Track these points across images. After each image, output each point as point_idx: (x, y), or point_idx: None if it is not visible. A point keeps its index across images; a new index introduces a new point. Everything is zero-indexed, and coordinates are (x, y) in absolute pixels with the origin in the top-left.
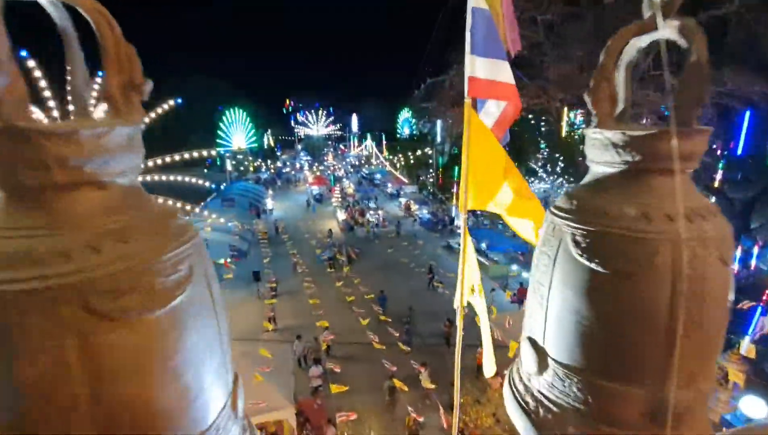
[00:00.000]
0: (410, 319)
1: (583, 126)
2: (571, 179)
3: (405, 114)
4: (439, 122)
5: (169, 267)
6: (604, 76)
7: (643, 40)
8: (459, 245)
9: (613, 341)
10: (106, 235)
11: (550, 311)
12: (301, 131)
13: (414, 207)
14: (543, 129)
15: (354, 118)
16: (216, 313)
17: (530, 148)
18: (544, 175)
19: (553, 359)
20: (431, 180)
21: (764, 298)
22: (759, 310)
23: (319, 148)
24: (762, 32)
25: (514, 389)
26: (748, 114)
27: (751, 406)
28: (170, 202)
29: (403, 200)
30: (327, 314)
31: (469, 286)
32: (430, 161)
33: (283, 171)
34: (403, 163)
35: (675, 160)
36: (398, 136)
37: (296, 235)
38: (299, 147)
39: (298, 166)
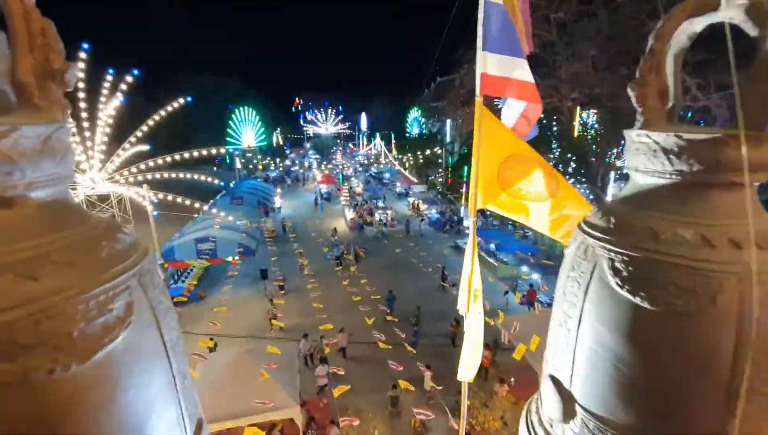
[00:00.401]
0: (418, 320)
1: (596, 126)
2: (583, 180)
3: (414, 113)
4: (448, 121)
5: (95, 308)
6: (654, 65)
7: (698, 24)
8: (465, 246)
9: (661, 394)
10: (5, 270)
11: (580, 350)
12: (310, 130)
13: (422, 207)
14: (555, 129)
15: (363, 117)
16: (169, 356)
17: (542, 147)
18: None
19: (582, 407)
20: (440, 180)
21: None
22: None
23: (328, 147)
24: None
25: (532, 432)
26: None
27: None
28: (115, 215)
29: (411, 200)
30: (333, 314)
31: (473, 290)
32: (440, 161)
33: (292, 169)
34: (412, 162)
35: (745, 172)
36: (407, 135)
37: (304, 233)
38: (308, 145)
39: (306, 164)
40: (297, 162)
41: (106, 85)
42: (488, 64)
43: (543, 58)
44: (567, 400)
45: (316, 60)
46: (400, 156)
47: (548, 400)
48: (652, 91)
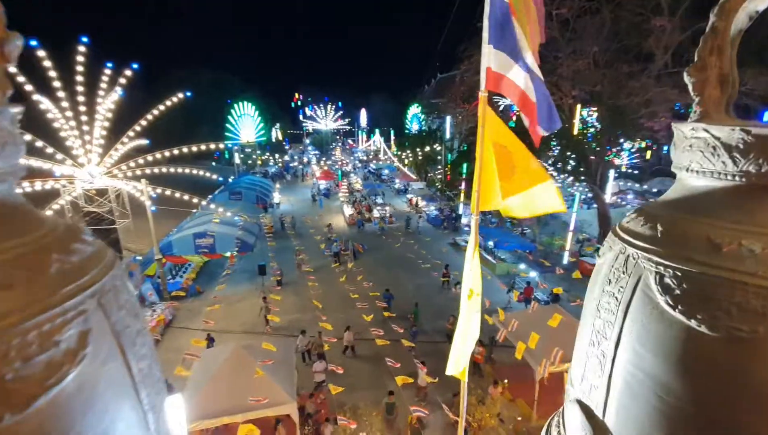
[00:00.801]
0: (416, 317)
1: (596, 123)
2: (582, 178)
3: (414, 109)
4: (448, 118)
5: (36, 341)
6: (716, 46)
7: (764, 1)
8: (465, 243)
9: (712, 431)
10: None
11: (617, 375)
12: (309, 125)
13: (421, 203)
14: None
15: (363, 113)
16: (138, 391)
17: (541, 145)
18: (555, 174)
19: None
20: (439, 177)
21: None
22: None
23: (327, 143)
24: None
25: None
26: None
27: None
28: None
29: (410, 196)
30: (331, 310)
31: (468, 289)
32: (439, 158)
33: (291, 165)
34: (411, 159)
35: None
36: (407, 131)
37: (302, 229)
38: (307, 141)
39: (305, 160)
40: (296, 157)
41: (105, 79)
42: (492, 58)
43: (544, 55)
44: (599, 430)
45: (317, 55)
46: (399, 152)
47: (575, 429)
48: (713, 77)
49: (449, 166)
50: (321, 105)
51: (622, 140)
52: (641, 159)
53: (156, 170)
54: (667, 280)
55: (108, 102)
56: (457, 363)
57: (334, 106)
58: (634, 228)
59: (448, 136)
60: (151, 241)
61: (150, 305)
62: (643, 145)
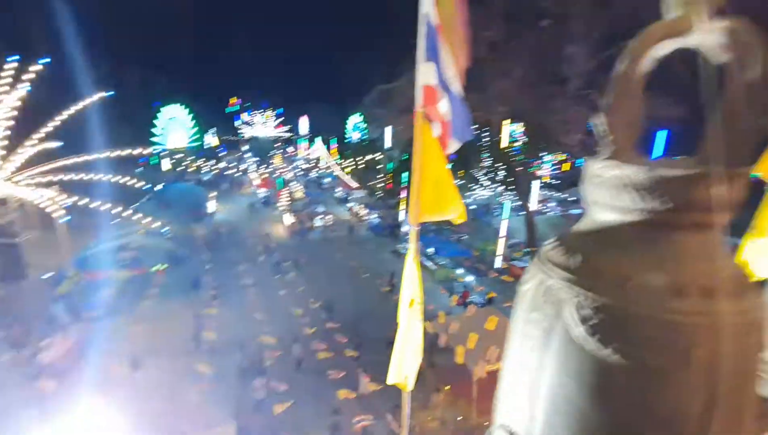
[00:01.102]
0: (357, 327)
1: (521, 136)
2: (511, 187)
3: (356, 118)
4: (389, 128)
5: None
6: (625, 90)
7: (667, 47)
8: (407, 250)
9: None
10: None
11: (542, 401)
12: (248, 131)
13: (363, 212)
14: (485, 139)
15: (304, 121)
16: None
17: (474, 156)
18: (486, 184)
19: None
20: (380, 185)
21: None
22: None
23: (267, 150)
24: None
25: None
26: (663, 134)
27: None
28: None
29: (351, 205)
30: (272, 323)
31: (408, 298)
32: (379, 166)
33: (227, 172)
34: (353, 167)
35: (721, 210)
36: (348, 140)
37: (240, 240)
38: (245, 148)
39: (243, 167)
40: (233, 165)
41: (7, 74)
42: (430, 75)
43: (474, 73)
44: None
45: (257, 59)
46: (341, 161)
47: None
48: (622, 119)
49: (390, 174)
50: (260, 111)
51: (544, 154)
52: (560, 170)
53: (70, 177)
54: (584, 311)
55: (11, 99)
56: (399, 372)
57: (274, 113)
58: (554, 258)
59: (389, 145)
60: (63, 256)
61: (61, 328)
62: (563, 157)
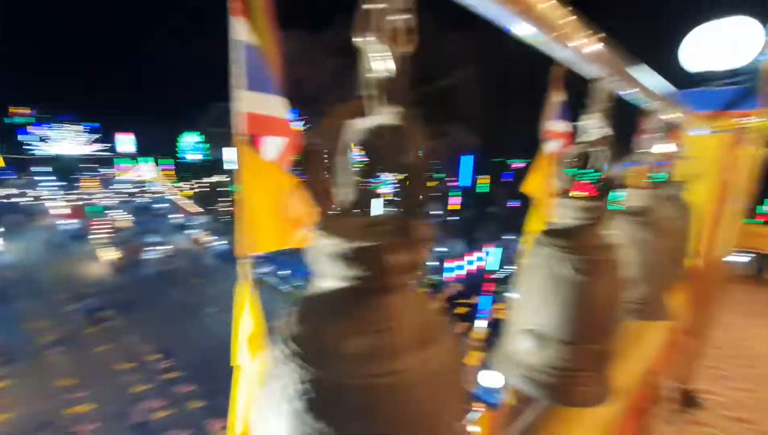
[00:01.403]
0: (206, 370)
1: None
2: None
3: (193, 137)
4: (233, 148)
5: None
6: (319, 164)
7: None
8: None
9: None
10: None
11: None
12: (45, 148)
13: (207, 238)
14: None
15: (127, 138)
16: None
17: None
18: None
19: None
20: (226, 208)
21: (487, 289)
22: (489, 299)
23: (73, 171)
24: (470, 100)
25: None
26: (468, 158)
27: (489, 379)
28: None
29: (193, 231)
30: (88, 389)
31: (245, 339)
32: (223, 189)
33: (16, 200)
34: (194, 190)
35: (409, 271)
36: (185, 161)
37: (38, 287)
38: (42, 169)
39: (38, 194)
40: (25, 191)
41: None
42: (253, 102)
43: (316, 97)
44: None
45: (56, 60)
46: (179, 184)
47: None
48: (324, 189)
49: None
50: (62, 124)
51: (381, 174)
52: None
53: None
54: (302, 386)
55: None
56: (243, 420)
57: (85, 128)
58: (284, 331)
59: (233, 166)
60: None
61: None
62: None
